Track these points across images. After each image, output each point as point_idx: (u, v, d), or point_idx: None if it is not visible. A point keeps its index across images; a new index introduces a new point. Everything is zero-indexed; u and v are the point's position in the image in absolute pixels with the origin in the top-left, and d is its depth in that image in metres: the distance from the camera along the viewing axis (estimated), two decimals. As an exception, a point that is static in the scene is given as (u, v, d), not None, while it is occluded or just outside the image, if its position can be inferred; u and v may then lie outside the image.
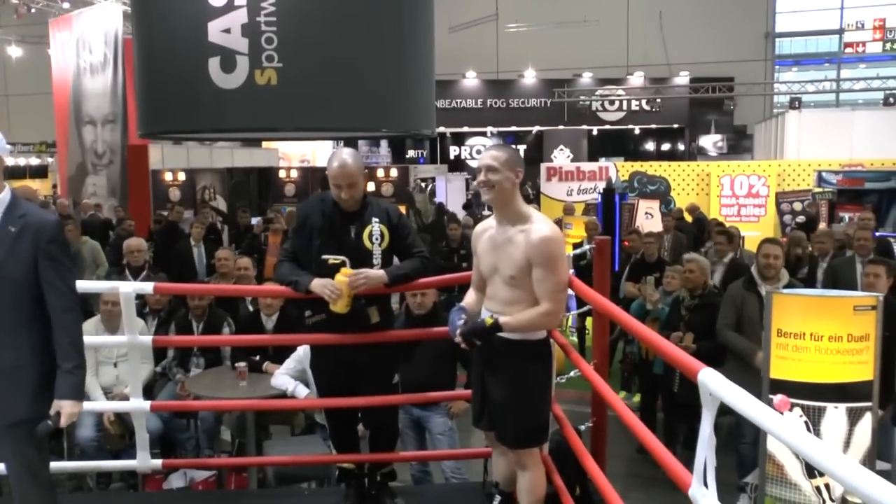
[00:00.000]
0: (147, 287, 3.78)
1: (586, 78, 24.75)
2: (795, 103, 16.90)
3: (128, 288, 3.55)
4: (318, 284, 3.18)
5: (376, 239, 3.30)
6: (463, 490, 4.30)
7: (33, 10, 18.35)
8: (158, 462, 3.77)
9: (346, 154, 3.30)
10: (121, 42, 13.30)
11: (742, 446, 4.77)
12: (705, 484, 1.97)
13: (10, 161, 18.63)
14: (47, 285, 2.65)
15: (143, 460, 3.64)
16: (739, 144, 24.29)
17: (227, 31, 5.87)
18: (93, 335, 5.04)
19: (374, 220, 3.32)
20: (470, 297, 3.21)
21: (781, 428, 1.67)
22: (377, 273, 3.25)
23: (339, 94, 5.93)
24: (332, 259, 3.21)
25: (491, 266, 3.01)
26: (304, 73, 5.84)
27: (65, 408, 2.66)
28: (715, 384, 1.89)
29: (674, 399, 5.51)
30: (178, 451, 5.16)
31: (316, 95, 5.82)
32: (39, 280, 2.65)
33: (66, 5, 17.17)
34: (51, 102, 15.46)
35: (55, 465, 4.70)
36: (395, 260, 3.44)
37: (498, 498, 3.31)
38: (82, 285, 5.16)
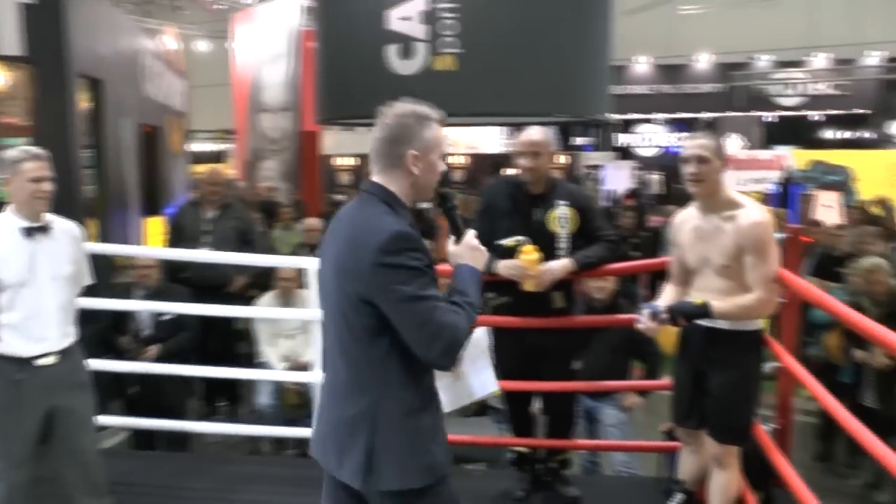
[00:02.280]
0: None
1: (763, 61, 23.25)
2: None
3: (313, 264, 3.73)
4: (504, 266, 3.17)
5: (563, 222, 3.25)
6: (636, 483, 4.21)
7: (217, 7, 19.54)
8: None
9: (534, 127, 3.33)
10: (298, 34, 13.95)
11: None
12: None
13: (196, 147, 19.83)
14: None
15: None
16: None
17: (407, 18, 5.97)
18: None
19: (561, 202, 3.26)
20: (669, 293, 3.08)
21: None
22: (560, 264, 3.20)
23: (518, 79, 5.85)
24: (507, 243, 3.19)
25: (700, 257, 2.90)
26: (483, 59, 5.78)
27: None
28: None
29: (865, 412, 5.00)
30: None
31: (495, 81, 5.78)
32: None
33: (248, 0, 18.16)
34: (227, 93, 16.49)
35: (233, 427, 4.98)
36: None
37: (681, 496, 3.18)
38: (271, 260, 5.52)
